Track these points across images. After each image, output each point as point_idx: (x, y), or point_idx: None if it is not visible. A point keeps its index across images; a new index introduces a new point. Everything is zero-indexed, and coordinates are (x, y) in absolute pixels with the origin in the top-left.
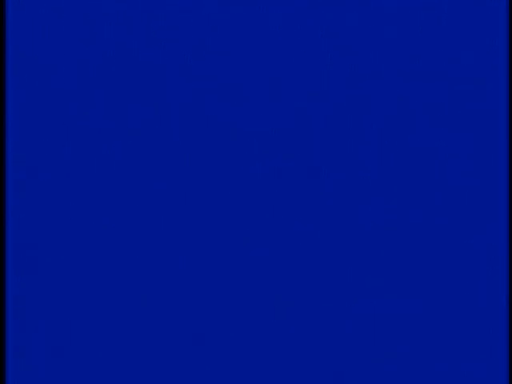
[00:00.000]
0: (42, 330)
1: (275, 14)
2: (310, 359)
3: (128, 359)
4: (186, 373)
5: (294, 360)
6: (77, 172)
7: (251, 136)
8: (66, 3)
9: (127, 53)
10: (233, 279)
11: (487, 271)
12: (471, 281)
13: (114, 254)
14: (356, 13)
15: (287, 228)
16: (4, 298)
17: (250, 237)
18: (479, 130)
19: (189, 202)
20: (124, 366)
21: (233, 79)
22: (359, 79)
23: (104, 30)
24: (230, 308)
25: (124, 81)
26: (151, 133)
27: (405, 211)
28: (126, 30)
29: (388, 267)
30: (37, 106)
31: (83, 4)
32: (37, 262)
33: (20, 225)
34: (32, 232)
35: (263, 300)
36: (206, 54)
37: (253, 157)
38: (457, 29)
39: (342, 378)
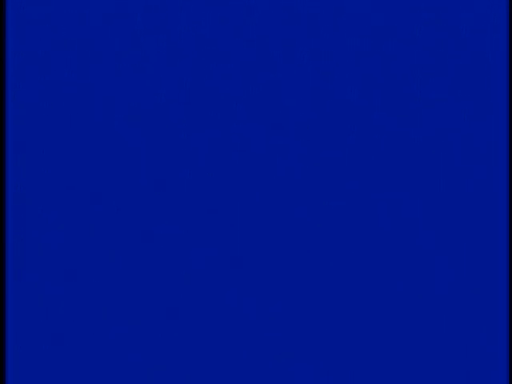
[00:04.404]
0: (42, 330)
1: (274, 13)
2: (310, 359)
3: (128, 359)
4: (185, 373)
5: (294, 360)
6: (76, 172)
7: (250, 136)
8: (66, 3)
9: (126, 52)
10: (233, 279)
11: (487, 271)
12: (471, 281)
13: (113, 254)
14: (354, 10)
15: (288, 228)
16: (4, 298)
17: (249, 237)
18: (479, 129)
19: (188, 202)
20: (124, 366)
21: (232, 79)
22: (358, 77)
23: (103, 30)
24: (230, 308)
25: (123, 80)
26: (150, 132)
27: (405, 211)
28: (125, 30)
29: (388, 267)
30: (36, 105)
31: (83, 4)
32: (36, 262)
33: (20, 224)
34: (32, 232)
35: (263, 300)
36: (207, 55)
37: (253, 157)
38: (457, 28)
39: (342, 377)
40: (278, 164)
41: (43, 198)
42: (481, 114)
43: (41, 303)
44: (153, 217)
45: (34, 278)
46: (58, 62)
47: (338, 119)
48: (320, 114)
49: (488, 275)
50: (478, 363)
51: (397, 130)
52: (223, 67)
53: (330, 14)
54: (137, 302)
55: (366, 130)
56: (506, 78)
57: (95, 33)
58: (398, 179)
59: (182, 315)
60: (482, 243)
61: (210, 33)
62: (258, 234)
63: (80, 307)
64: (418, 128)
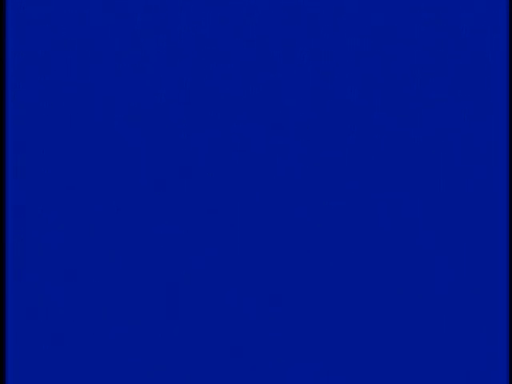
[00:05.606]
0: (42, 330)
1: (273, 13)
2: (310, 359)
3: (128, 359)
4: (185, 372)
5: (294, 360)
6: (76, 172)
7: (250, 135)
8: (66, 3)
9: (126, 52)
10: (233, 280)
11: (487, 271)
12: (471, 281)
13: (113, 254)
14: (354, 10)
15: (288, 228)
16: (4, 298)
17: (249, 236)
18: (479, 129)
19: (188, 202)
20: (124, 366)
21: (232, 79)
22: (358, 77)
23: (103, 30)
24: (230, 309)
25: (123, 80)
26: (151, 132)
27: (405, 211)
28: (125, 30)
29: (388, 267)
30: (36, 105)
31: (83, 4)
32: (36, 262)
33: (20, 224)
34: (32, 232)
35: (264, 301)
36: (207, 55)
37: (253, 157)
38: (457, 28)
39: (342, 377)
40: (278, 164)
41: (43, 198)
42: (481, 114)
43: (41, 303)
44: (153, 217)
45: (34, 277)
46: (58, 62)
47: (337, 119)
48: (320, 114)
49: (488, 275)
50: (478, 363)
51: (397, 129)
52: (223, 67)
53: (330, 13)
54: (137, 302)
55: (366, 129)
56: (506, 77)
57: (95, 33)
58: (398, 179)
59: (181, 315)
60: (482, 243)
61: (210, 33)
62: (258, 234)
63: (80, 307)
64: (418, 128)
